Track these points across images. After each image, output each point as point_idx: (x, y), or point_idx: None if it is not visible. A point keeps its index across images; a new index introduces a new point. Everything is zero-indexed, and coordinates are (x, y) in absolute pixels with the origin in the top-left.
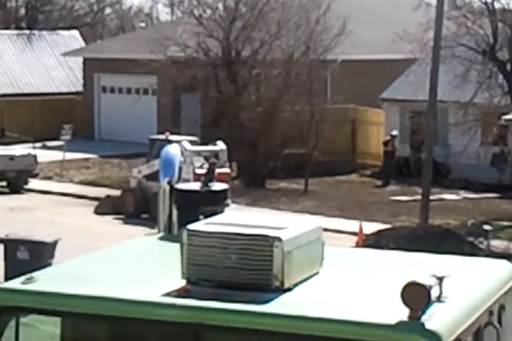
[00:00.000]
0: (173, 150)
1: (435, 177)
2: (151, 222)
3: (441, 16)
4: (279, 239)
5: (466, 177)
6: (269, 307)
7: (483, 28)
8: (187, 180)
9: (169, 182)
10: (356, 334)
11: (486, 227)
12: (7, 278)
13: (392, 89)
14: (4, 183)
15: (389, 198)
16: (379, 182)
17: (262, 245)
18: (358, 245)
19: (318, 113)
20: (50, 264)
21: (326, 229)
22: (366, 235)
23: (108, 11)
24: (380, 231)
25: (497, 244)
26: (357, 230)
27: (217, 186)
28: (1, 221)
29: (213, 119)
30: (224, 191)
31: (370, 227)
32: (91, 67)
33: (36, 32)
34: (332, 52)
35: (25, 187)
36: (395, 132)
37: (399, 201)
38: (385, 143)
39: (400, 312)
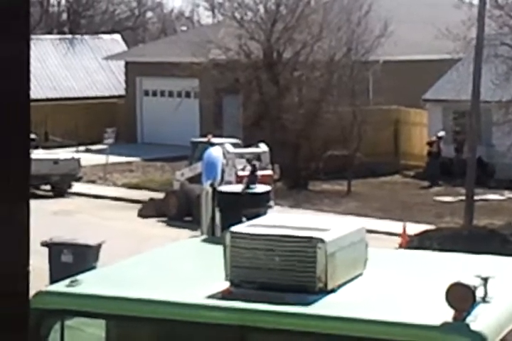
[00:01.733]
0: (215, 153)
1: (480, 177)
2: (195, 224)
3: (483, 15)
4: (322, 241)
5: (510, 177)
6: (313, 309)
7: None
8: (229, 183)
9: (212, 185)
10: (401, 335)
11: None
12: (52, 282)
13: (435, 89)
14: (48, 187)
15: (433, 199)
16: (425, 184)
17: (306, 247)
18: (401, 246)
19: (361, 114)
20: (94, 267)
21: (369, 231)
22: (410, 236)
23: (149, 14)
24: (423, 233)
25: None
26: (400, 231)
27: (259, 188)
28: (45, 224)
29: (255, 121)
30: (267, 193)
31: (414, 228)
32: (133, 70)
33: (78, 36)
34: (374, 53)
35: (69, 190)
36: (441, 133)
37: (443, 202)
38: (430, 144)
39: (445, 314)
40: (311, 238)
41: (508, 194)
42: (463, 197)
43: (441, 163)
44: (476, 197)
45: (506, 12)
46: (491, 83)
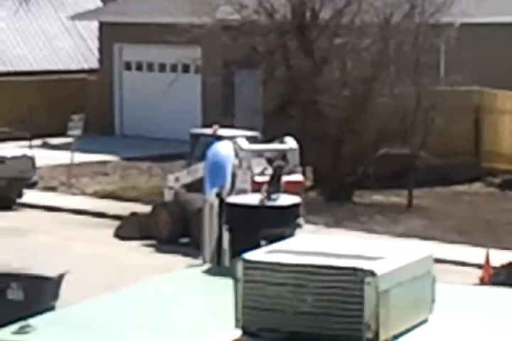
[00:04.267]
0: (223, 150)
1: None
2: (194, 249)
3: None
4: (372, 274)
5: None
6: None
7: None
8: (243, 191)
9: (218, 195)
10: None
11: None
12: None
13: None
14: None
15: None
16: None
17: (349, 282)
18: (483, 282)
19: (428, 98)
20: (53, 308)
21: (438, 260)
22: (495, 268)
23: None
24: None
25: None
26: (482, 261)
27: (285, 199)
28: None
29: (280, 107)
30: (295, 206)
31: (502, 257)
32: (110, 35)
33: None
34: (447, 13)
35: (19, 201)
36: None
37: None
38: None
39: None
40: (356, 269)
41: None
42: None
43: None
44: None
45: None
46: None
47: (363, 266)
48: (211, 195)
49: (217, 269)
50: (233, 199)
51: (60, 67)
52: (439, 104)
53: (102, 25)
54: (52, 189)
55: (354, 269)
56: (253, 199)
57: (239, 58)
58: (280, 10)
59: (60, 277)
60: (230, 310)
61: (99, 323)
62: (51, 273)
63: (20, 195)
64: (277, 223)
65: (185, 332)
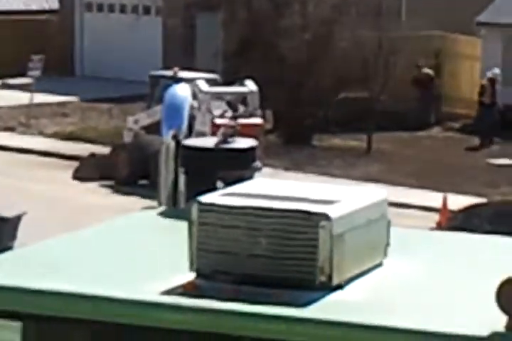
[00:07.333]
0: (181, 92)
1: None
2: (151, 190)
3: None
4: (326, 217)
5: None
6: (312, 312)
7: None
8: (202, 134)
9: (175, 137)
10: None
11: None
12: None
13: (494, 8)
14: None
15: (485, 161)
16: (475, 141)
17: (303, 225)
18: (439, 226)
19: (389, 42)
20: (10, 248)
21: (394, 204)
22: (452, 212)
23: None
24: (471, 207)
25: None
26: (439, 205)
27: (243, 142)
28: None
29: (240, 49)
30: (252, 149)
31: (458, 202)
32: None
33: None
34: None
35: None
36: (495, 71)
37: (499, 166)
38: (481, 91)
39: (494, 321)
40: (310, 213)
41: None
42: None
43: (499, 111)
44: None
45: None
46: None
47: (317, 209)
48: (168, 137)
49: (173, 211)
50: (189, 141)
51: (21, 7)
52: (400, 48)
53: None
54: (11, 129)
55: (308, 213)
56: (210, 141)
57: (200, 0)
58: None
59: (18, 218)
60: (185, 253)
61: (56, 263)
62: (8, 213)
63: None
64: (233, 166)
65: (140, 274)
